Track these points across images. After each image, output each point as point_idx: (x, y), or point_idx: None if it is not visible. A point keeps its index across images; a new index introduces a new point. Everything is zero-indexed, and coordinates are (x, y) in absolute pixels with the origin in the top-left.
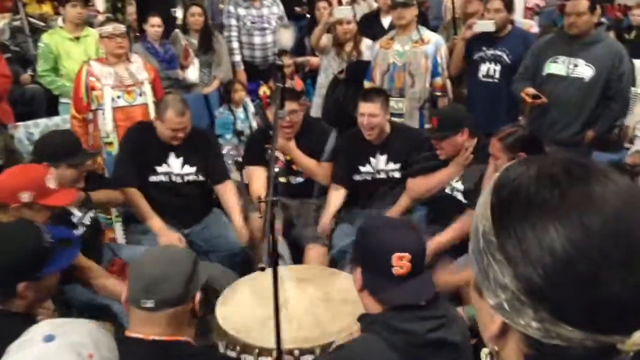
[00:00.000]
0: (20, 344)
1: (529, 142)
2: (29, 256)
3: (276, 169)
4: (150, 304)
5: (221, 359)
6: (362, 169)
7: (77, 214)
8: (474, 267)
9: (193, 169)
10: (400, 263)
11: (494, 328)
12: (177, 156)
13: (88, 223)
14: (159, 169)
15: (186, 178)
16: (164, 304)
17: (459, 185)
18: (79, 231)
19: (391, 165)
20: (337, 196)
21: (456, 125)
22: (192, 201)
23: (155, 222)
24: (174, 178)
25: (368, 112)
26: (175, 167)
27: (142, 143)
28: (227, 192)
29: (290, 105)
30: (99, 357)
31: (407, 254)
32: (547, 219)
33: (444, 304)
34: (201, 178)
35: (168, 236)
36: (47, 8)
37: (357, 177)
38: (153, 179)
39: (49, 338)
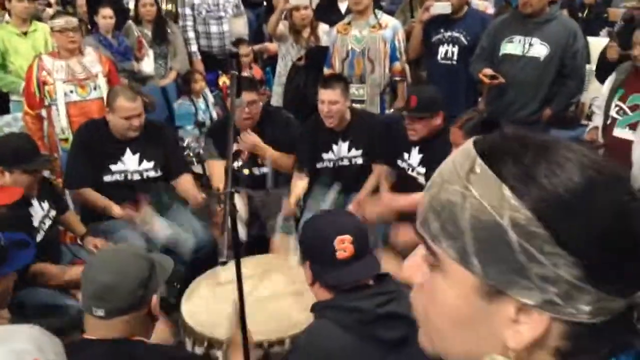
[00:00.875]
0: None
1: (488, 126)
2: None
3: (239, 162)
4: (100, 312)
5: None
6: (324, 156)
7: (38, 216)
8: (477, 268)
9: (151, 164)
10: (343, 246)
11: (540, 329)
12: (134, 152)
13: (48, 225)
14: (114, 167)
15: (145, 174)
16: (114, 312)
17: (420, 169)
18: (40, 235)
19: (353, 152)
20: (301, 183)
21: (434, 107)
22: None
23: (115, 208)
24: (129, 176)
25: (328, 99)
26: (132, 164)
27: (95, 141)
28: (184, 183)
29: (248, 96)
30: None
31: (347, 236)
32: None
33: (393, 281)
34: (160, 173)
35: (132, 215)
36: None
37: (319, 165)
38: (108, 178)
39: None
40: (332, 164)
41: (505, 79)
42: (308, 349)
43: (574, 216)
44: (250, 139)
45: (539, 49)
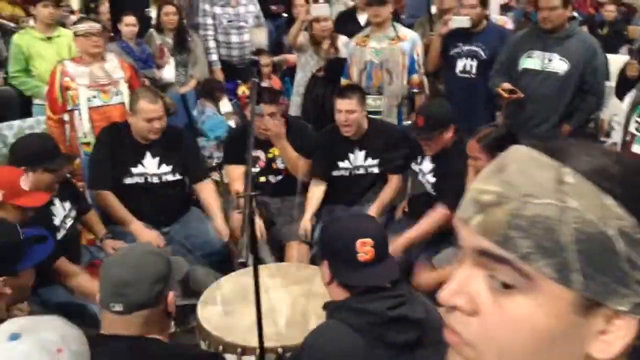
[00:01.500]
0: None
1: (506, 140)
2: (6, 250)
3: (257, 169)
4: (119, 307)
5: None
6: (340, 164)
7: (59, 215)
8: (577, 284)
9: (169, 168)
10: (365, 249)
11: (628, 337)
12: (154, 155)
13: (69, 225)
14: (134, 170)
15: (164, 178)
16: (133, 307)
17: (430, 178)
18: (61, 234)
19: (369, 161)
20: (317, 195)
21: (442, 124)
22: (170, 201)
23: (132, 225)
24: (149, 179)
25: (345, 108)
26: (151, 167)
27: (116, 144)
28: (206, 191)
29: (268, 109)
30: (68, 351)
31: (369, 240)
32: None
33: (403, 284)
34: (178, 177)
35: (146, 235)
36: (18, 10)
37: (335, 173)
38: (128, 181)
39: (14, 336)
40: (348, 172)
41: (524, 94)
42: (317, 348)
43: None
44: (277, 124)
45: (559, 65)
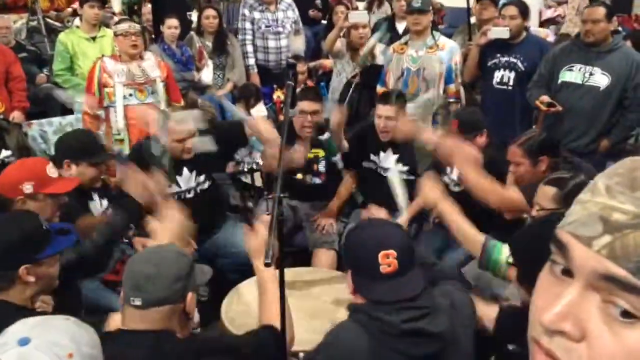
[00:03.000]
0: None
1: (548, 145)
2: (28, 237)
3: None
4: (138, 301)
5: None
6: (372, 157)
7: (96, 211)
8: None
9: (202, 177)
10: (387, 261)
11: None
12: (190, 170)
13: None
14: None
15: (198, 188)
16: (152, 303)
17: (455, 187)
18: None
19: (400, 166)
20: (345, 185)
21: (476, 128)
22: (205, 215)
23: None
24: (183, 196)
25: (385, 114)
26: (187, 182)
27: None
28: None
29: (313, 106)
30: (80, 355)
31: (392, 251)
32: None
33: (429, 294)
34: (210, 182)
35: None
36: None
37: (366, 164)
38: None
39: (24, 341)
40: (375, 167)
41: (563, 107)
42: (333, 346)
43: None
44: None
45: (600, 79)
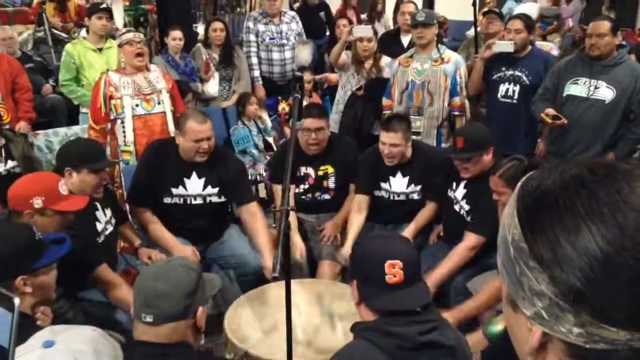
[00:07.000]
0: (19, 350)
1: (529, 172)
2: (22, 248)
3: (306, 186)
4: (149, 318)
5: None
6: (382, 184)
7: (102, 221)
8: (505, 280)
9: (215, 190)
10: (393, 271)
11: (534, 340)
12: (199, 176)
13: (109, 231)
14: (175, 191)
15: (208, 199)
16: (163, 319)
17: (465, 205)
18: (101, 239)
19: (412, 187)
20: (357, 222)
21: (482, 146)
22: (210, 221)
23: (168, 243)
24: (189, 200)
25: (390, 142)
26: (195, 188)
27: (161, 162)
28: (252, 216)
29: (316, 123)
30: None
31: (398, 262)
32: (578, 219)
33: (435, 310)
34: (223, 199)
35: (181, 251)
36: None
37: (377, 193)
38: (167, 200)
39: (49, 344)
40: (387, 194)
41: (568, 120)
42: None
43: (542, 232)
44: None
45: (605, 92)
